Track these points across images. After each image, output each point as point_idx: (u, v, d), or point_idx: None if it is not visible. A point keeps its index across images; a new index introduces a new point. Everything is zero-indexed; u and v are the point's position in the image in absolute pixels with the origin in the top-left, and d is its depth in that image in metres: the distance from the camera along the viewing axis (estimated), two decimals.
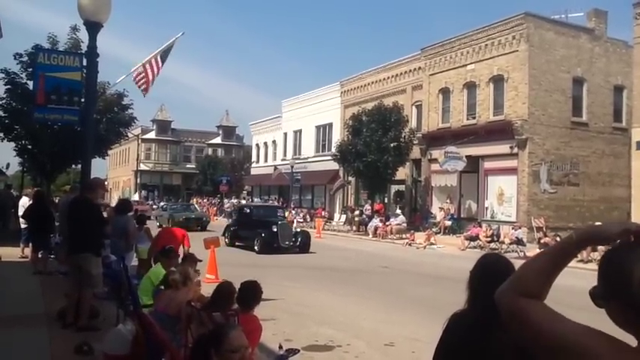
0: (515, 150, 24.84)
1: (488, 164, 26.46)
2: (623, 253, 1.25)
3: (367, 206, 31.39)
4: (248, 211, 22.98)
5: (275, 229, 19.44)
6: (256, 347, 4.68)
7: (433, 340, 2.49)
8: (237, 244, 21.15)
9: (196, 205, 40.45)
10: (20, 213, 14.18)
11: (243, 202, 46.88)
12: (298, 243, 19.86)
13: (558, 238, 19.79)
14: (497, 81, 26.27)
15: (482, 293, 2.42)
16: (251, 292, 4.69)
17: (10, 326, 7.21)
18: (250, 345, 4.29)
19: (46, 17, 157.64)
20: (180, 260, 7.06)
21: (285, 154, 46.99)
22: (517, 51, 25.04)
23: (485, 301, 2.39)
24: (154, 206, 45.59)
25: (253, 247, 19.59)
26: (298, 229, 21.63)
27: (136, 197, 51.42)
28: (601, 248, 17.85)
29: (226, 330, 3.08)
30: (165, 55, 11.61)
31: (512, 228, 21.48)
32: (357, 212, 31.45)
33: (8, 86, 20.49)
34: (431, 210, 29.61)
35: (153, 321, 4.72)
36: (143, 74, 11.28)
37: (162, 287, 5.88)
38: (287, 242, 19.55)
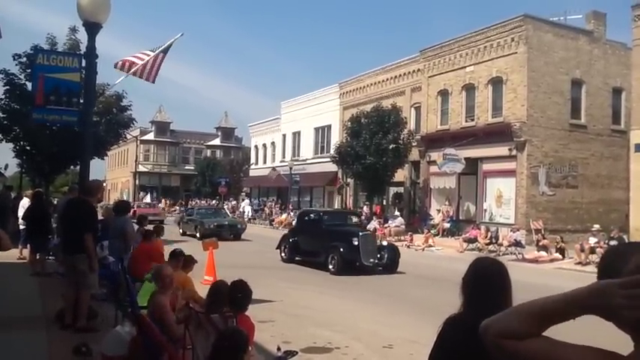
0: (514, 152, 24.84)
1: (486, 166, 26.47)
2: (618, 251, 1.33)
3: (365, 208, 31.40)
4: (315, 217, 18.07)
5: (356, 243, 14.98)
6: (252, 347, 4.67)
7: (431, 342, 2.49)
8: (296, 258, 17.12)
9: (227, 210, 35.79)
10: (20, 214, 14.17)
11: (242, 203, 46.30)
12: (385, 260, 15.41)
13: (558, 241, 19.86)
14: (496, 83, 26.29)
15: (476, 297, 2.42)
16: (243, 293, 4.69)
17: (8, 328, 7.19)
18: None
19: (45, 18, 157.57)
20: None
21: (283, 156, 47.00)
22: (516, 53, 25.06)
23: (479, 305, 2.39)
24: (176, 210, 43.77)
25: (323, 265, 15.36)
26: (384, 242, 16.64)
27: (147, 199, 49.57)
28: (600, 250, 17.92)
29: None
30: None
31: (511, 230, 21.48)
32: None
33: (7, 87, 20.50)
34: (429, 212, 29.61)
35: (151, 322, 4.72)
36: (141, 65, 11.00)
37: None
38: (371, 260, 15.08)
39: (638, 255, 1.27)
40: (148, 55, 10.75)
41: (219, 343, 3.48)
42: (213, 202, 50.79)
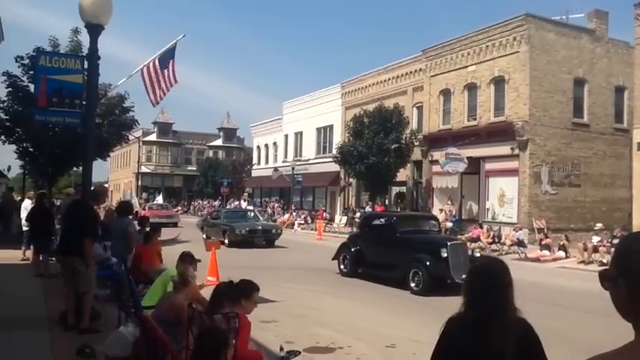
0: (517, 151, 24.82)
1: (489, 165, 26.45)
2: (635, 237, 1.40)
3: (368, 208, 31.41)
4: (386, 222, 14.52)
5: (445, 255, 12.23)
6: (249, 343, 4.70)
7: (434, 341, 2.49)
8: (359, 271, 14.24)
9: (257, 212, 30.74)
10: (23, 215, 14.23)
11: (244, 204, 46.15)
12: None
13: (562, 239, 19.83)
14: (498, 82, 26.26)
15: (477, 296, 2.43)
16: (249, 285, 4.80)
17: (11, 329, 7.22)
18: (242, 341, 4.33)
19: (47, 19, 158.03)
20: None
21: (286, 156, 47.02)
22: (518, 52, 25.04)
23: (481, 304, 2.40)
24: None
25: (400, 282, 12.57)
26: (477, 254, 13.75)
27: (159, 200, 47.29)
28: (603, 249, 17.86)
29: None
30: (167, 57, 11.57)
31: (514, 229, 21.46)
32: (357, 214, 31.45)
33: (10, 89, 20.55)
34: (432, 211, 29.59)
35: (154, 323, 4.73)
36: (151, 85, 11.16)
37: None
38: (464, 275, 11.65)
39: None
40: (156, 68, 10.87)
41: (199, 341, 3.53)
42: (216, 202, 50.83)
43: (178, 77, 11.75)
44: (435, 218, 17.14)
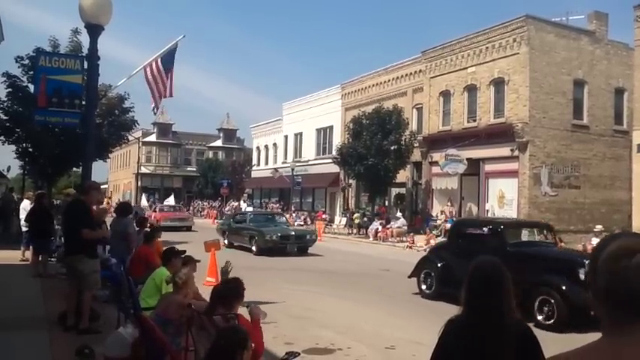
0: (516, 153, 24.83)
1: (488, 167, 26.46)
2: (605, 240, 1.43)
3: (368, 209, 31.51)
4: (490, 232, 11.19)
5: (584, 277, 8.79)
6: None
7: (434, 343, 2.49)
8: (445, 291, 10.76)
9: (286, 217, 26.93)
10: (22, 216, 14.22)
11: (244, 205, 46.04)
12: None
13: (557, 241, 19.80)
14: (498, 84, 26.27)
15: (476, 298, 2.43)
16: (235, 283, 4.77)
17: (11, 329, 7.21)
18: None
19: (47, 20, 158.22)
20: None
21: (285, 157, 47.02)
22: (518, 53, 25.05)
23: (479, 306, 2.40)
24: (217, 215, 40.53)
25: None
26: None
27: (171, 201, 44.92)
28: None
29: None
30: (168, 58, 11.50)
31: None
32: (357, 214, 31.47)
33: (9, 89, 20.55)
34: (431, 213, 29.59)
35: (153, 323, 4.72)
36: (156, 88, 11.01)
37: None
38: None
39: (614, 244, 1.33)
40: (159, 69, 10.81)
41: (215, 341, 3.49)
42: (215, 203, 50.80)
43: (174, 91, 11.38)
44: (550, 227, 12.74)
